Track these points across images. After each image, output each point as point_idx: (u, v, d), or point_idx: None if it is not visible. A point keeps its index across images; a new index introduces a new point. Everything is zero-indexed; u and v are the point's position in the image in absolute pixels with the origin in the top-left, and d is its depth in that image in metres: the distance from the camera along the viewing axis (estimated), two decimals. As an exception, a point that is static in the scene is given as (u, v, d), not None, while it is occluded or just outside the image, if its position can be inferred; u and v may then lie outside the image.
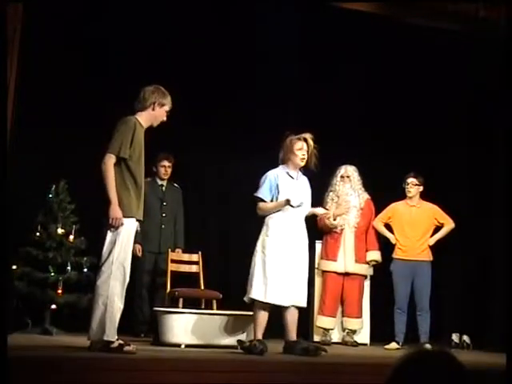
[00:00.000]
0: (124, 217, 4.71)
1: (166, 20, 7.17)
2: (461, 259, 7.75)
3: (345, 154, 7.20)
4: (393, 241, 7.03)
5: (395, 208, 7.12)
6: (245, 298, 5.47)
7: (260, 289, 5.37)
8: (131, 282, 4.86)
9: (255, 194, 5.61)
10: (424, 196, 7.11)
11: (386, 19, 6.97)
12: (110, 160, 4.72)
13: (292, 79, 7.69)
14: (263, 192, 5.59)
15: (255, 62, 7.68)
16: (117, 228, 4.69)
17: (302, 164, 5.62)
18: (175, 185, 7.16)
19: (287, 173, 5.64)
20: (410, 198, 7.05)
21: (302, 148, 5.59)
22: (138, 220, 4.88)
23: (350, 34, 7.63)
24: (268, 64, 7.66)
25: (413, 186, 7.03)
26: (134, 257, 6.52)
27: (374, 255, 7.17)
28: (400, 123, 7.96)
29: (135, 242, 6.56)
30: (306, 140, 5.59)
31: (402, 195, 7.14)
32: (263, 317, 5.40)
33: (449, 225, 7.02)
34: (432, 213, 7.04)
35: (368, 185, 7.28)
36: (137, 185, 4.81)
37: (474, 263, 7.70)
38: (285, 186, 5.58)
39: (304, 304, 5.58)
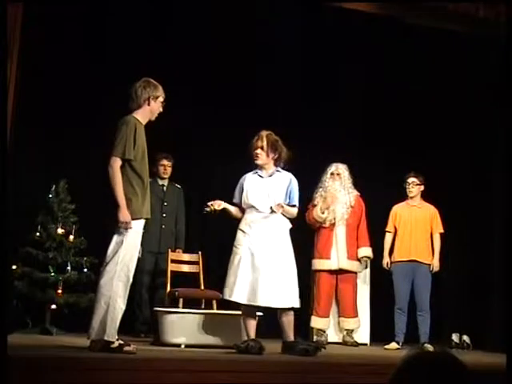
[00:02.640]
0: (132, 219, 4.71)
1: (166, 20, 7.17)
2: (461, 259, 7.75)
3: (338, 153, 7.21)
4: (384, 264, 7.02)
5: (396, 211, 7.11)
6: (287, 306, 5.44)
7: (227, 289, 5.42)
8: (132, 282, 4.85)
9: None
10: (425, 195, 7.10)
11: (386, 19, 6.96)
12: (116, 163, 4.72)
13: (292, 79, 7.69)
14: (235, 195, 5.68)
15: (255, 61, 7.68)
16: (126, 231, 4.69)
17: (257, 162, 5.54)
18: (176, 185, 7.16)
19: (256, 172, 5.64)
20: (412, 198, 7.04)
21: (255, 147, 5.54)
22: (146, 218, 4.88)
23: (350, 34, 7.63)
24: (268, 63, 7.67)
25: (414, 186, 7.00)
26: None
27: (366, 251, 7.17)
28: (399, 123, 7.96)
29: None
30: (259, 137, 5.54)
31: (399, 195, 7.12)
32: (249, 316, 5.42)
33: (436, 234, 6.97)
34: (431, 215, 7.02)
35: (363, 184, 7.29)
36: (143, 184, 4.82)
37: (474, 263, 7.69)
38: (249, 186, 5.58)
39: (277, 305, 5.40)
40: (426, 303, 6.83)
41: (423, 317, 6.80)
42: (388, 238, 7.09)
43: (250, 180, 5.61)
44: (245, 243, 5.47)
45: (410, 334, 6.88)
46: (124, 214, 4.67)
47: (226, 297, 5.40)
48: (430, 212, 7.03)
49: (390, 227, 7.10)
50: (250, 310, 5.41)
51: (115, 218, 4.67)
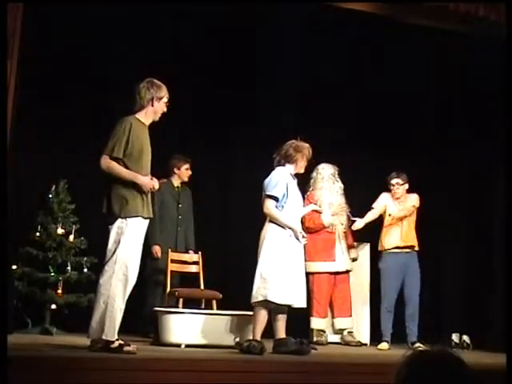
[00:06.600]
0: (130, 216, 4.71)
1: (167, 20, 7.17)
2: (461, 259, 7.75)
3: (325, 152, 7.20)
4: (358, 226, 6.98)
5: (385, 200, 7.01)
6: (256, 300, 5.43)
7: (276, 291, 5.40)
8: (142, 281, 4.84)
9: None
10: (420, 193, 7.07)
11: (386, 19, 6.96)
12: (106, 161, 4.75)
13: (291, 79, 7.70)
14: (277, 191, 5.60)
15: (256, 62, 7.69)
16: (124, 228, 4.68)
17: (302, 171, 5.84)
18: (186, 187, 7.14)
19: (290, 174, 5.71)
20: (397, 198, 6.98)
21: (308, 160, 5.79)
22: (146, 218, 4.86)
23: (349, 34, 7.63)
24: (269, 64, 7.67)
25: (399, 187, 6.91)
26: (152, 257, 6.52)
27: (353, 253, 7.21)
28: (399, 123, 7.96)
29: (155, 244, 6.55)
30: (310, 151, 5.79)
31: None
32: (265, 317, 5.43)
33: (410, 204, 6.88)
34: (412, 200, 6.92)
35: (351, 181, 7.28)
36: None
37: (474, 263, 7.69)
38: (291, 186, 5.66)
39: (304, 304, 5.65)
40: (416, 298, 6.75)
41: (412, 313, 6.73)
42: (370, 214, 6.99)
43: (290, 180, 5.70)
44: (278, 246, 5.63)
45: (402, 332, 6.86)
46: (142, 180, 4.70)
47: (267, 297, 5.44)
48: (412, 199, 6.93)
49: (381, 209, 6.97)
50: (266, 310, 5.44)
51: (114, 214, 4.68)
